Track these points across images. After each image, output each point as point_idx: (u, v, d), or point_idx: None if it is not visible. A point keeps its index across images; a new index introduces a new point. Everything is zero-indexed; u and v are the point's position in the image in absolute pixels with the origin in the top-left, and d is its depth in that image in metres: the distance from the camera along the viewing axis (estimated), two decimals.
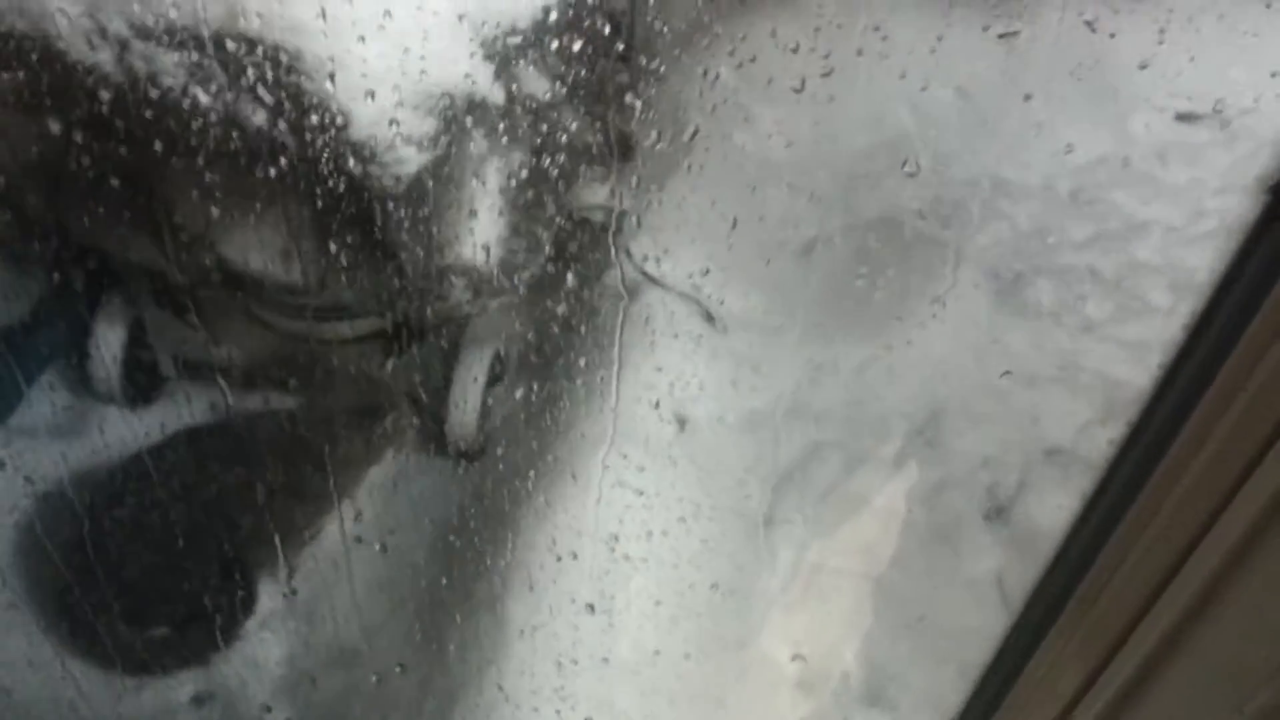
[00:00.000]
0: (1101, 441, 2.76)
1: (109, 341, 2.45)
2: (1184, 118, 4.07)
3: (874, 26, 2.97)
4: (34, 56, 1.45)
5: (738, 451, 2.52)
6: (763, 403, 2.67)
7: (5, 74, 1.58)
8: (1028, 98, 3.58)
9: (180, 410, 2.54)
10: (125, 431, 2.46)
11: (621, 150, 2.47)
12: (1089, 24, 3.39)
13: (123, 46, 1.41)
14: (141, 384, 2.54)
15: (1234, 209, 3.56)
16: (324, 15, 1.36)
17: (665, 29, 2.57)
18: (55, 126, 1.55)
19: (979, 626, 2.33)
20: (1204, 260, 3.38)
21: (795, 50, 3.12)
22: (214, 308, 2.37)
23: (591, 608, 2.07)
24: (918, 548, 2.38)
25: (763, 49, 3.23)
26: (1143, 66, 3.82)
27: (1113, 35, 3.55)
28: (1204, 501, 0.77)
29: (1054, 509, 2.56)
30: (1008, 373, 2.86)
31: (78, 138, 1.56)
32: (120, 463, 2.40)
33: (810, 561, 2.35)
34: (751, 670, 2.13)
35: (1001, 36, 3.25)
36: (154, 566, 2.25)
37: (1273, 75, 3.31)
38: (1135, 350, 3.08)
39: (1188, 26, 3.73)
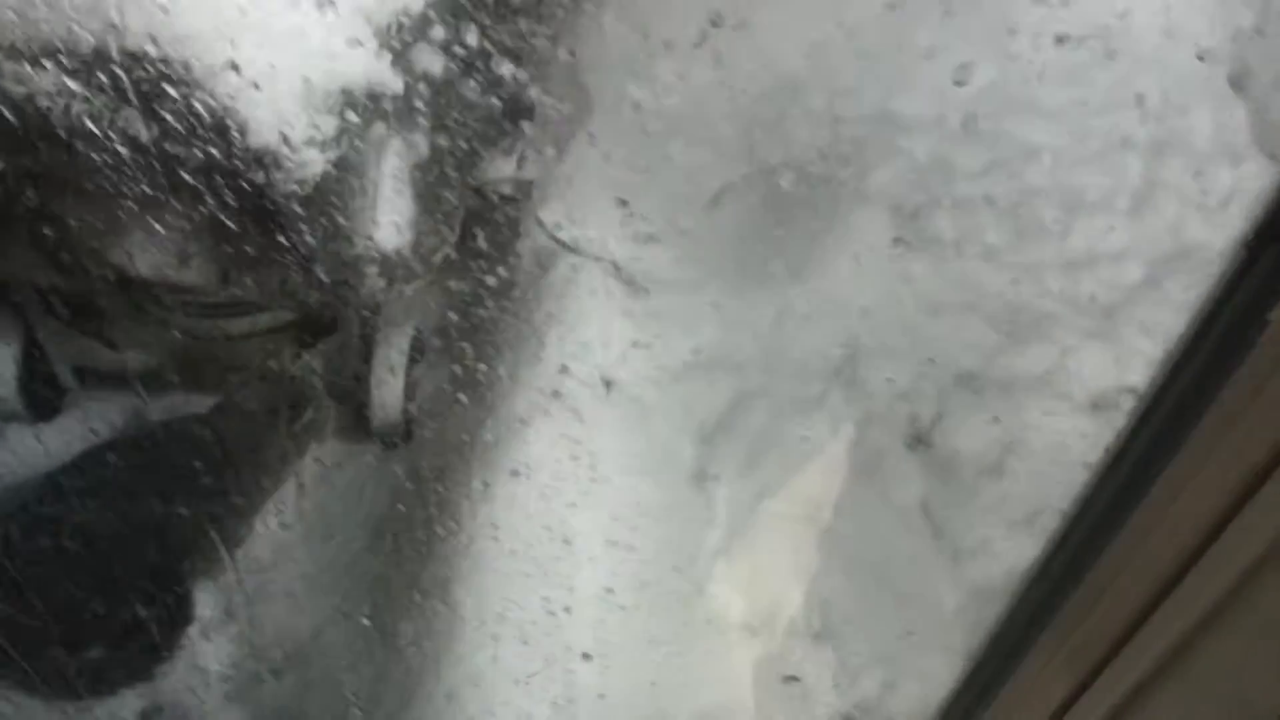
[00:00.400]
0: (1007, 364, 2.89)
1: (2, 357, 2.34)
2: (1062, 40, 4.18)
3: None
4: None
5: (665, 408, 2.55)
6: (685, 358, 2.70)
7: None
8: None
9: (88, 421, 2.45)
10: (32, 448, 2.37)
11: (521, 118, 2.44)
12: None
13: None
14: (42, 398, 2.44)
15: (1117, 128, 3.71)
16: (219, 21, 1.30)
17: None
18: None
19: (909, 553, 2.44)
20: (1091, 180, 3.52)
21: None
22: (112, 314, 2.28)
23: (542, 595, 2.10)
24: (847, 485, 2.46)
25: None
26: None
27: None
28: (1209, 512, 0.75)
29: (969, 431, 2.68)
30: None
31: None
32: (30, 482, 2.31)
33: (745, 509, 2.41)
34: (699, 619, 2.19)
35: None
36: (80, 586, 2.19)
37: None
38: (1033, 272, 3.21)
39: None
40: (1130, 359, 2.96)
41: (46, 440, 2.41)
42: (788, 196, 3.25)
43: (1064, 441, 2.70)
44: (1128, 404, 2.85)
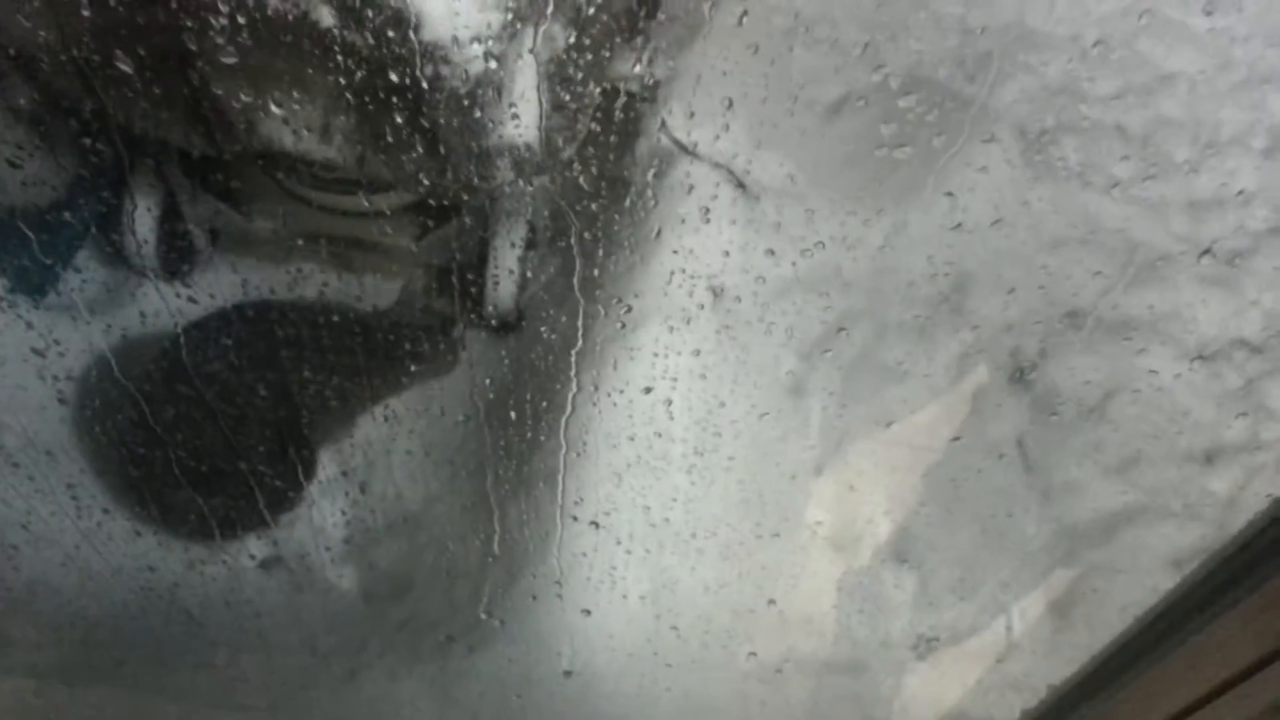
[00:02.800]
0: (1118, 304, 2.83)
1: (142, 215, 2.44)
2: None
3: None
4: None
5: (770, 320, 2.57)
6: (792, 270, 2.70)
7: None
8: None
9: (218, 284, 2.56)
10: (164, 305, 2.49)
11: (649, 12, 2.40)
12: None
13: None
14: (176, 257, 2.54)
15: (1263, 58, 3.50)
16: None
17: None
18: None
19: (999, 487, 2.46)
20: (1229, 114, 3.35)
21: None
22: (248, 182, 2.35)
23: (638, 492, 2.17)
24: (943, 413, 2.47)
25: None
26: None
27: None
28: None
29: (1072, 371, 2.65)
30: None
31: (111, 11, 1.51)
32: (165, 336, 2.43)
33: (840, 428, 2.45)
34: (787, 532, 2.26)
35: None
36: (209, 438, 2.33)
37: None
38: (1156, 210, 3.10)
39: None
40: (1247, 310, 2.88)
41: (175, 298, 2.52)
42: (909, 110, 3.16)
43: (1169, 389, 2.66)
44: (1240, 357, 2.78)
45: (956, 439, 2.45)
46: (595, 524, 2.18)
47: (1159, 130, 3.37)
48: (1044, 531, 2.36)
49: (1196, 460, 2.55)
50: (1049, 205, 3.06)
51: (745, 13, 3.03)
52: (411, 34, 1.47)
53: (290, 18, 1.48)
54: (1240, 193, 3.19)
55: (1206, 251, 2.99)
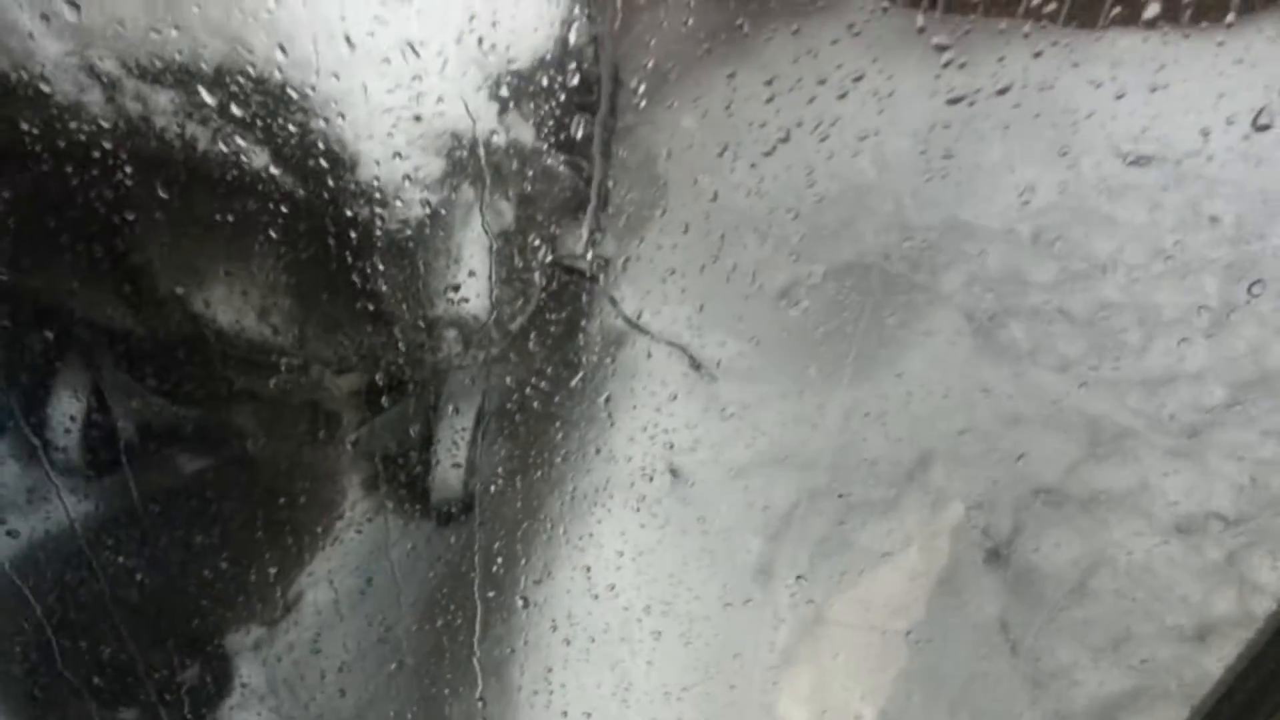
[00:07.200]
0: (1088, 479, 2.76)
1: (57, 408, 2.30)
2: (1135, 161, 4.16)
3: (821, 80, 3.00)
4: (14, 97, 1.35)
5: (733, 504, 2.45)
6: (752, 450, 2.61)
7: None
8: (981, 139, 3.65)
9: (143, 477, 2.39)
10: (84, 502, 2.31)
11: (600, 198, 2.44)
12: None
13: (113, 86, 1.32)
14: (91, 453, 2.38)
15: (1191, 246, 3.65)
16: (348, 44, 1.29)
17: (635, 84, 2.56)
18: (28, 174, 1.44)
19: (986, 673, 2.27)
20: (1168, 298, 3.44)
21: (770, 84, 3.13)
22: (178, 368, 2.25)
23: (599, 685, 1.97)
24: (919, 595, 2.32)
25: (727, 100, 3.25)
26: (1089, 115, 3.92)
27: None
28: None
29: (1049, 548, 2.53)
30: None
31: (54, 185, 1.46)
32: (71, 539, 2.24)
33: (811, 613, 2.28)
34: None
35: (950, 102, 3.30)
36: (115, 649, 2.09)
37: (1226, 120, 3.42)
38: (1111, 387, 3.10)
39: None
40: (1216, 482, 2.82)
41: (97, 494, 2.35)
42: (858, 296, 3.20)
43: (1150, 564, 2.55)
44: (1216, 529, 2.70)
45: (935, 622, 2.29)
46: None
47: (1102, 312, 3.44)
48: None
49: (1189, 638, 2.40)
50: (1004, 384, 3.05)
51: (697, 210, 3.12)
52: (348, 172, 1.43)
53: (244, 180, 1.44)
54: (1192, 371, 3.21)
55: (1167, 426, 2.97)
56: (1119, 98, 3.77)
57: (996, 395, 2.94)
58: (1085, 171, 4.07)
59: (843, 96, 2.73)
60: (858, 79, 2.79)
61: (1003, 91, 3.51)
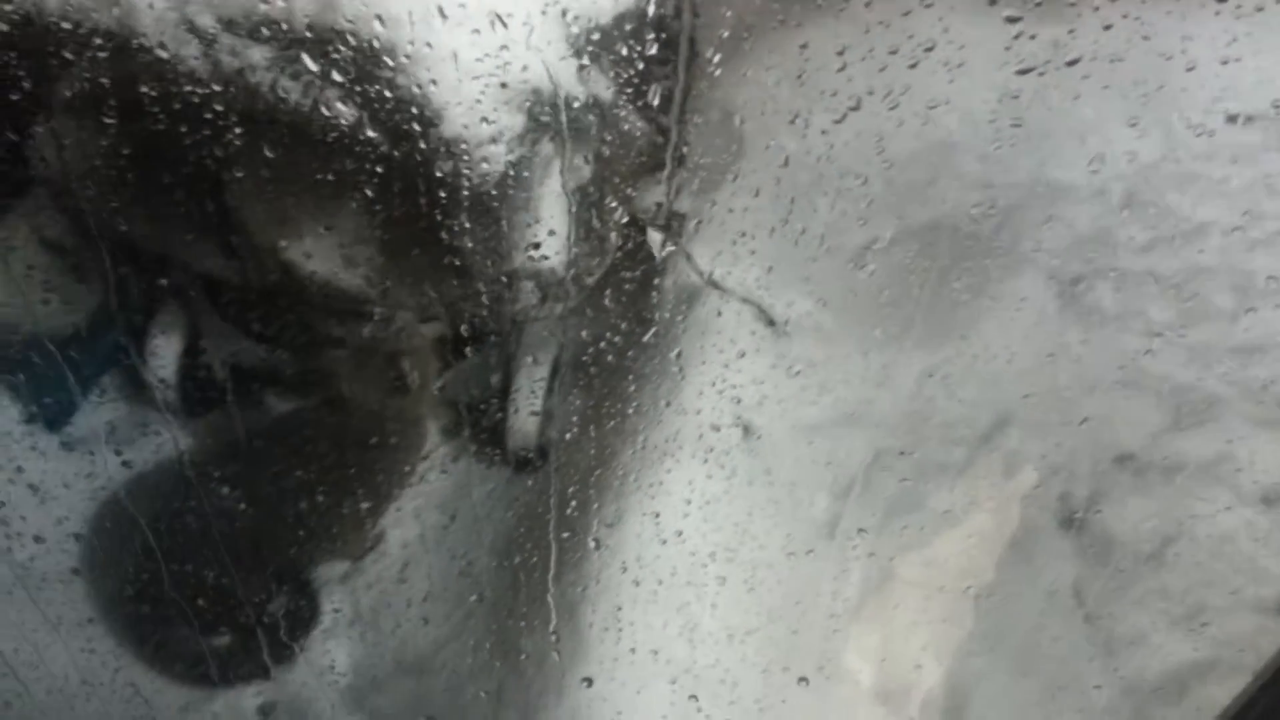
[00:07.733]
0: (1170, 447, 2.70)
1: (165, 349, 2.44)
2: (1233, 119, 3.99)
3: (893, 50, 2.94)
4: (112, 53, 1.45)
5: (801, 459, 2.48)
6: (824, 409, 2.62)
7: (80, 73, 1.57)
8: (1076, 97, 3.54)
9: (237, 418, 2.53)
10: (182, 440, 2.45)
11: (676, 161, 2.46)
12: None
13: (209, 42, 1.41)
14: (196, 392, 2.53)
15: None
16: (441, 15, 1.35)
17: (710, 53, 2.56)
18: (127, 127, 1.54)
19: (1058, 639, 2.27)
20: (1265, 264, 3.31)
21: (841, 54, 3.09)
22: (278, 316, 2.36)
23: (665, 625, 2.04)
24: (992, 559, 2.32)
25: (800, 69, 3.22)
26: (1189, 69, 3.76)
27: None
28: None
29: (1127, 515, 2.50)
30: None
31: (150, 138, 1.56)
32: (178, 470, 2.38)
33: (880, 572, 2.30)
34: (828, 685, 2.08)
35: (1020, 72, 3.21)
36: (216, 575, 2.23)
37: None
38: (1200, 354, 3.01)
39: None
40: None
41: (193, 432, 2.49)
42: (937, 257, 3.16)
43: (1231, 535, 2.50)
44: None
45: (1007, 586, 2.29)
46: (615, 659, 2.02)
47: (1195, 278, 3.33)
48: (1109, 688, 2.15)
49: (1268, 611, 2.35)
50: (1087, 349, 2.99)
51: (768, 174, 3.11)
52: (433, 128, 1.49)
53: (334, 135, 1.51)
54: None
55: (1258, 395, 2.88)
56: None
57: (1079, 360, 2.89)
58: (1178, 131, 3.91)
59: (914, 66, 2.70)
60: (929, 49, 2.74)
61: (1072, 63, 3.39)
